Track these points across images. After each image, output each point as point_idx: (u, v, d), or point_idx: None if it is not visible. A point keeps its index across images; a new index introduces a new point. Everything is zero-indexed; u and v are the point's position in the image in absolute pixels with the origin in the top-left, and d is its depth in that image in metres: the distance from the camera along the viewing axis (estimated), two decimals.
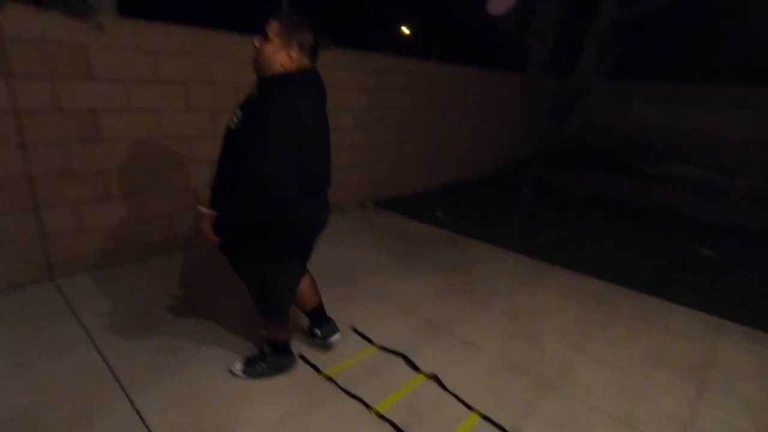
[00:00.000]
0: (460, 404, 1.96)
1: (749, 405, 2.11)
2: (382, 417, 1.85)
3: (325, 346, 2.28)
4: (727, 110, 6.73)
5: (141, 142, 3.05)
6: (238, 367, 2.06)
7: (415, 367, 2.19)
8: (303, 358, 2.21)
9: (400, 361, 2.25)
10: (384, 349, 2.33)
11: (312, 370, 2.12)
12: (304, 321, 2.31)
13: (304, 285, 2.11)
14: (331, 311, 2.30)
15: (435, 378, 2.12)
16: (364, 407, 1.91)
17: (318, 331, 2.24)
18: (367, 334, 2.45)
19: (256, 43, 1.61)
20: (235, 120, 1.64)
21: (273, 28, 1.59)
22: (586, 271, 3.52)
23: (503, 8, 6.23)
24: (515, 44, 7.23)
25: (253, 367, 2.05)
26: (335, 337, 2.26)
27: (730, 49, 6.88)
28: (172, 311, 2.55)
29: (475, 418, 1.89)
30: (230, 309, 2.59)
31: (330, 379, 2.06)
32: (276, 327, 2.01)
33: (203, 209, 1.66)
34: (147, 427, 1.72)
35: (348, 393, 1.98)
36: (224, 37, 3.35)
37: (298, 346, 2.28)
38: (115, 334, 2.29)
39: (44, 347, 2.15)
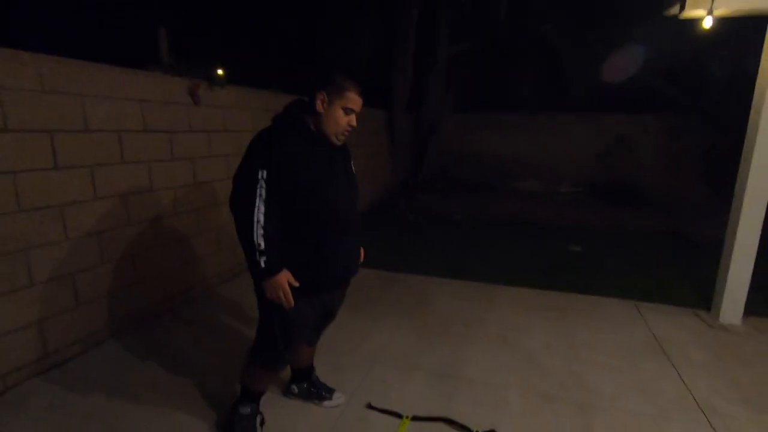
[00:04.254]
0: None
1: (707, 368, 2.52)
2: None
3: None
4: (538, 134, 8.46)
5: None
6: None
7: (467, 429, 1.94)
8: None
9: (444, 427, 1.96)
10: (419, 418, 2.01)
11: None
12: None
13: None
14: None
15: None
16: None
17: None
18: (388, 407, 2.08)
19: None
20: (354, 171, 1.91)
21: None
22: (514, 283, 3.81)
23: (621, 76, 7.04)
24: (377, 80, 7.65)
25: None
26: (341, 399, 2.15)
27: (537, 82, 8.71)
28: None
29: None
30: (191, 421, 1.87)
31: None
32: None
33: None
34: None
35: None
36: (102, 70, 2.56)
37: None
38: None
39: None
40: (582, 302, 3.47)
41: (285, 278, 1.59)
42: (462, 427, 1.96)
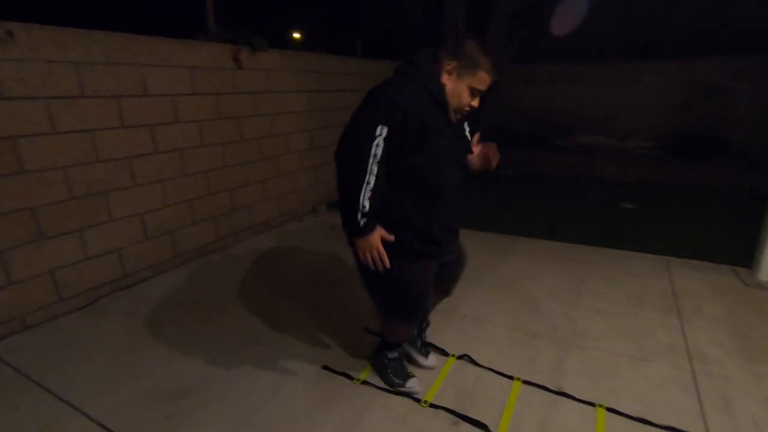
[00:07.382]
0: (499, 376, 2.01)
1: (718, 321, 2.46)
2: (435, 406, 1.82)
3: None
4: (610, 84, 7.74)
5: (74, 169, 2.62)
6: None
7: (443, 352, 2.19)
8: (328, 368, 2.09)
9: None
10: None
11: (344, 379, 2.01)
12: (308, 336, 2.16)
13: None
14: (338, 315, 2.19)
15: (467, 357, 2.14)
16: (412, 401, 1.86)
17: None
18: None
19: None
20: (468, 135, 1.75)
21: None
22: (543, 236, 3.82)
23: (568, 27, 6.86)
24: (429, 37, 7.55)
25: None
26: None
27: (606, 29, 7.92)
28: (158, 349, 2.24)
29: (518, 385, 1.95)
30: (229, 330, 2.35)
31: (366, 383, 1.98)
32: None
33: None
34: None
35: (391, 392, 1.91)
36: (157, 42, 3.01)
37: (319, 357, 2.16)
38: (98, 391, 1.94)
39: (15, 429, 1.75)
40: (607, 255, 3.42)
41: (378, 235, 1.49)
42: (439, 350, 2.21)
